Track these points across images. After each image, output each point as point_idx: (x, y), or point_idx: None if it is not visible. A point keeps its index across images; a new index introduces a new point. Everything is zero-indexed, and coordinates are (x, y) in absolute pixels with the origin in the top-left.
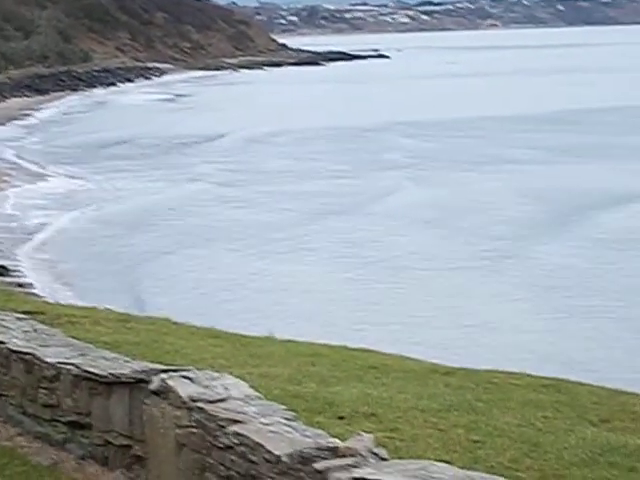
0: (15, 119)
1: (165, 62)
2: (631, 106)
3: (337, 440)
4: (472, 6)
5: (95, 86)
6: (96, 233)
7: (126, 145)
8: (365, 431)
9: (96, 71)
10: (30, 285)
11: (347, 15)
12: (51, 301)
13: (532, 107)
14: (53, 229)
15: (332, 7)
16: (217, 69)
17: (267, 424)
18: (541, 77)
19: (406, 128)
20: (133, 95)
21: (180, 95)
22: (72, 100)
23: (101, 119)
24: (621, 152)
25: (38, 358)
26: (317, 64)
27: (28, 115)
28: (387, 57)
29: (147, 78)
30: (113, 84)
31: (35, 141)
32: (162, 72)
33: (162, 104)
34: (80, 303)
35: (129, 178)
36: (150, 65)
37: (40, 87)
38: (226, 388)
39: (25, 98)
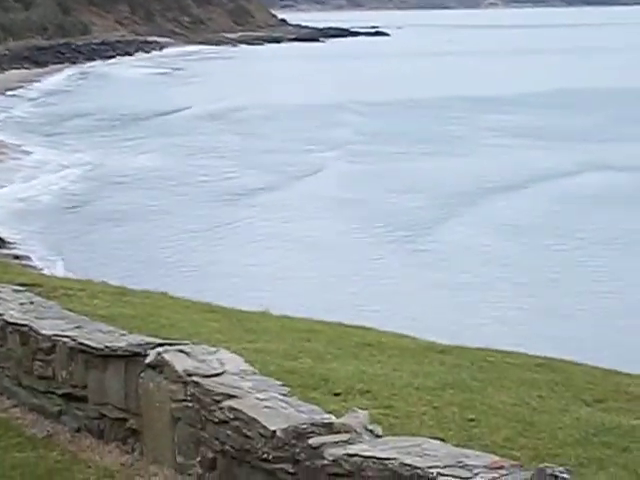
0: (11, 90)
1: (165, 36)
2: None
3: (332, 416)
4: None
5: (94, 59)
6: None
7: (95, 117)
8: (360, 408)
9: (95, 44)
10: (27, 257)
11: None
12: (48, 274)
13: (517, 87)
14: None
15: None
16: (217, 44)
17: (262, 399)
18: (534, 56)
19: (371, 106)
20: (131, 68)
21: (176, 69)
22: (69, 73)
23: (96, 92)
24: (581, 135)
25: (34, 330)
26: (316, 40)
27: (23, 87)
28: (387, 34)
29: (146, 52)
30: (112, 57)
31: (23, 112)
32: (161, 46)
33: (156, 77)
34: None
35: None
36: (149, 39)
37: (39, 59)
38: (222, 363)
39: (24, 70)
